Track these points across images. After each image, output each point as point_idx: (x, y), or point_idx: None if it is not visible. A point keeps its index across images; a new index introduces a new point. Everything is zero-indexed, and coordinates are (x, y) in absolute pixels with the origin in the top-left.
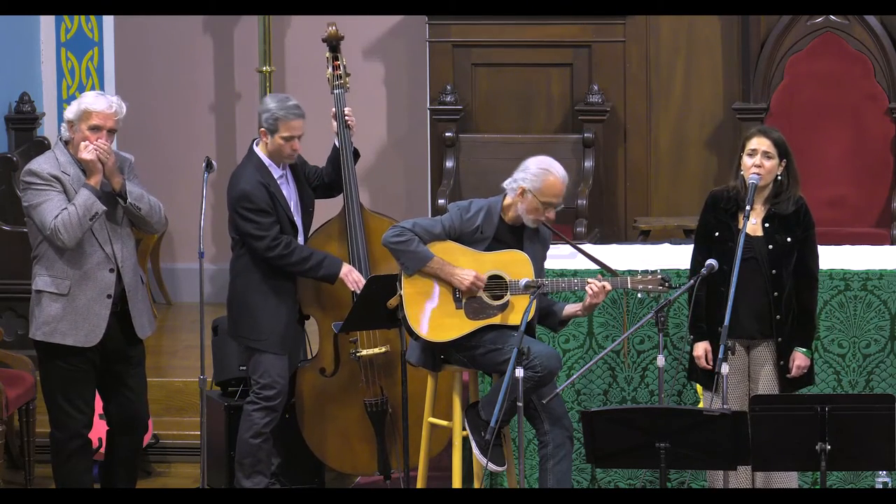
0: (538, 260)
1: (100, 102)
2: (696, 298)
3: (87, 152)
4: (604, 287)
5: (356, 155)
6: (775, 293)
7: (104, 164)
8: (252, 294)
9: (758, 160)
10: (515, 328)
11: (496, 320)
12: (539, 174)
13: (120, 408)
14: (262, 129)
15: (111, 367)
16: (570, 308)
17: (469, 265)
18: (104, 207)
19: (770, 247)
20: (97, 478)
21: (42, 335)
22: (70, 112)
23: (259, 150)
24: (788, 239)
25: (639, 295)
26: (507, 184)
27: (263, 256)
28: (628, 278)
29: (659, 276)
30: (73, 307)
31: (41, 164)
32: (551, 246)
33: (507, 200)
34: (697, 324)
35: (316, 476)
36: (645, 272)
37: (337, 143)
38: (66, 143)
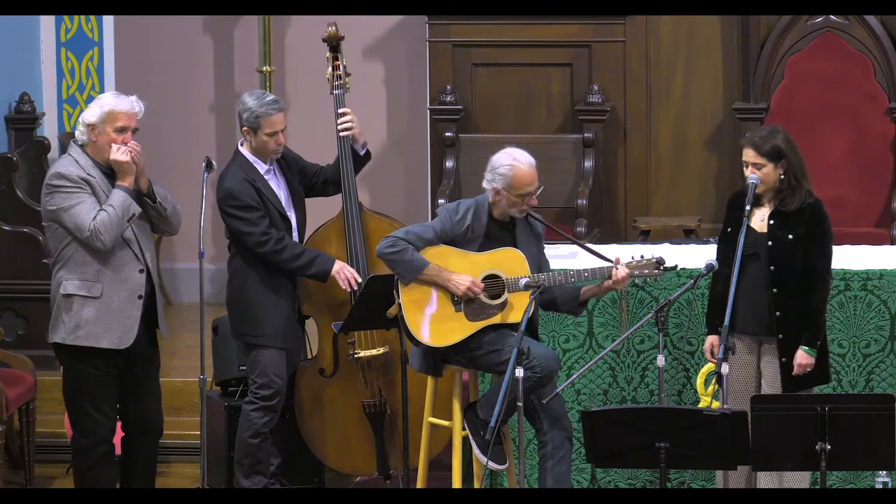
0: (534, 255)
1: (122, 103)
2: (716, 294)
3: (122, 153)
4: (627, 273)
5: (367, 155)
6: (774, 289)
7: (137, 164)
8: (250, 291)
9: (749, 171)
10: (515, 327)
11: (496, 320)
12: (506, 172)
13: (138, 411)
14: (245, 127)
15: (131, 370)
16: (588, 289)
17: (464, 267)
18: (140, 209)
19: (770, 243)
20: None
21: (74, 339)
22: (91, 115)
23: (244, 149)
24: (790, 236)
25: (638, 285)
26: (484, 184)
27: (255, 252)
28: (624, 265)
29: (654, 260)
30: (106, 309)
31: (67, 167)
32: (550, 246)
33: (491, 198)
34: (712, 320)
35: (316, 476)
36: (641, 258)
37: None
38: (82, 146)
